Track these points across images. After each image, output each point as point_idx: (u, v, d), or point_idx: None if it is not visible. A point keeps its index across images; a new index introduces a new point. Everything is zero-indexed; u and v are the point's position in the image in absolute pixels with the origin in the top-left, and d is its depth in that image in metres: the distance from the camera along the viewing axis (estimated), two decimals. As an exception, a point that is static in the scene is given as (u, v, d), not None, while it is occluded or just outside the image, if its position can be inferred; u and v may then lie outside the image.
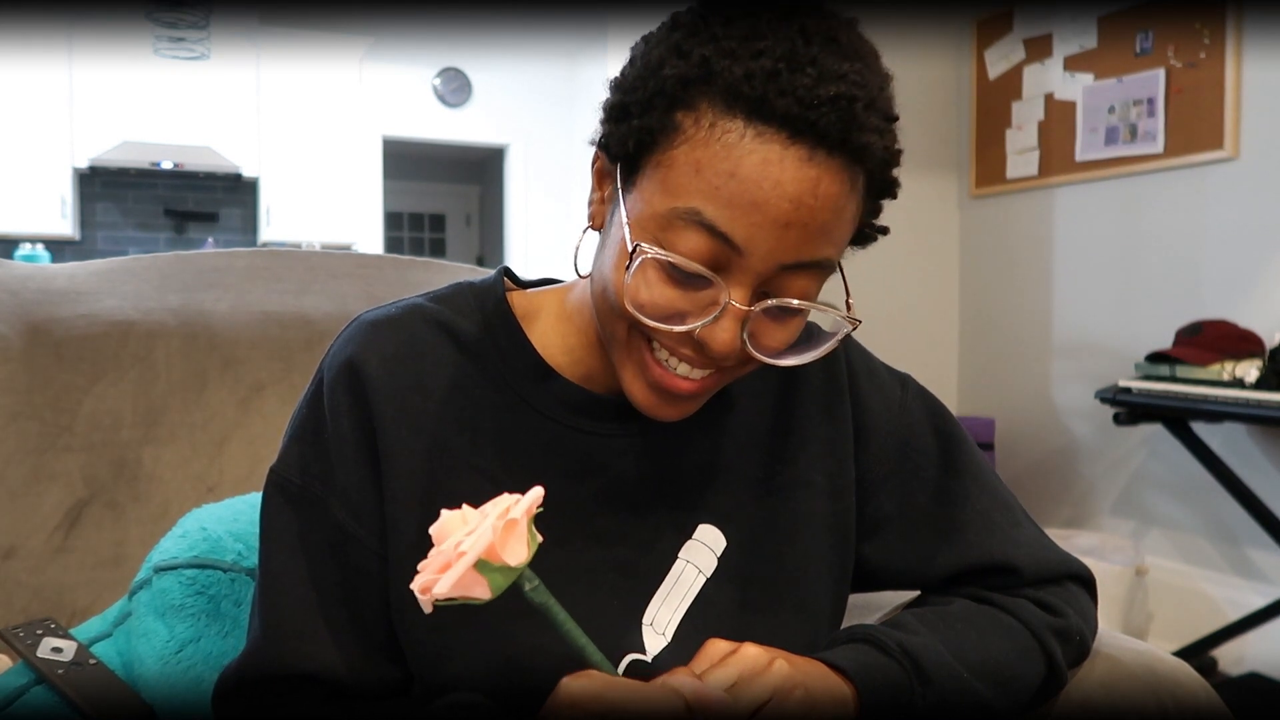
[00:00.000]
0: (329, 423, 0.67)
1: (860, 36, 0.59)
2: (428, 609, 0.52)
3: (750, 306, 0.58)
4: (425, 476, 0.67)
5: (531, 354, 0.70)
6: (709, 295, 0.58)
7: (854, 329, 0.62)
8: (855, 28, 0.60)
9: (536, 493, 0.54)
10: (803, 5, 0.58)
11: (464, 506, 0.54)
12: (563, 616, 0.55)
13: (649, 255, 0.57)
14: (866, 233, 0.63)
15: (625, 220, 0.59)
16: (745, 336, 0.58)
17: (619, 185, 0.61)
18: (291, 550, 0.67)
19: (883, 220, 0.65)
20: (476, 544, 0.51)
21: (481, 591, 0.52)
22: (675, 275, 0.58)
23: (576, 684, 0.54)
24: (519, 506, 0.53)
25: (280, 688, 0.66)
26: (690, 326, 0.58)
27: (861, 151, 0.56)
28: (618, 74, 0.62)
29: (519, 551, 0.52)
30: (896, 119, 0.59)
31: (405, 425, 0.67)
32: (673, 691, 0.54)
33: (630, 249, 0.57)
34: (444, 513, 0.54)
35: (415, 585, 0.52)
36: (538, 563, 0.66)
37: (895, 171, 0.60)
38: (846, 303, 0.63)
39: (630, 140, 0.59)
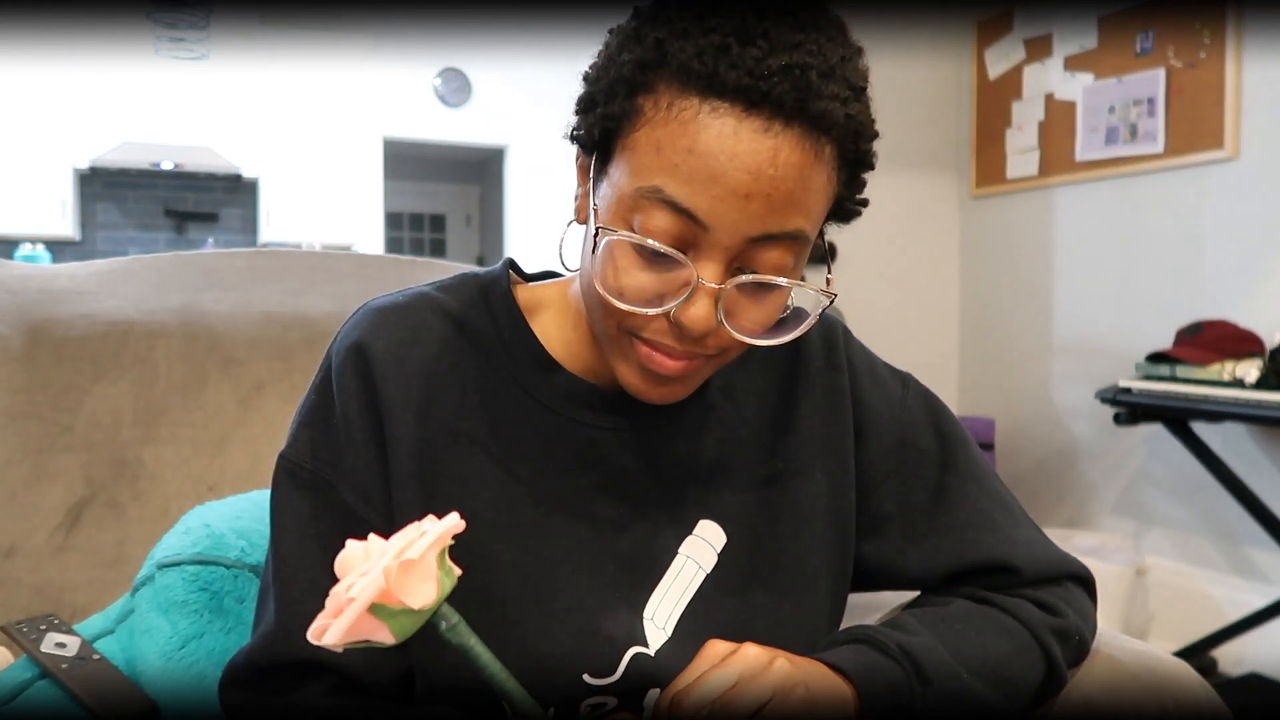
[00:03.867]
0: (338, 406, 0.68)
1: (823, 11, 0.59)
2: (337, 649, 0.48)
3: (721, 284, 0.58)
4: (429, 462, 0.67)
5: (535, 346, 0.70)
6: (681, 275, 0.58)
7: (831, 303, 0.63)
8: (820, 3, 0.59)
9: (450, 522, 0.50)
10: None
11: (370, 537, 0.50)
12: (486, 659, 0.52)
13: (614, 237, 0.58)
14: (848, 207, 0.63)
15: (593, 207, 0.60)
16: (721, 315, 0.58)
17: (591, 175, 0.62)
18: (302, 535, 0.67)
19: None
20: (367, 588, 0.46)
21: (384, 636, 0.47)
22: (646, 256, 0.58)
23: None
24: (422, 541, 0.48)
25: (290, 674, 0.66)
26: (666, 308, 0.58)
27: (820, 119, 0.55)
28: (586, 68, 0.63)
29: (424, 592, 0.47)
30: (864, 89, 0.59)
31: (411, 410, 0.67)
32: None
33: (594, 232, 0.58)
34: (349, 544, 0.50)
35: (310, 632, 0.48)
36: (540, 551, 0.67)
37: (873, 144, 0.60)
38: (827, 279, 0.63)
39: (596, 129, 0.59)
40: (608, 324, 0.62)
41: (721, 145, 0.55)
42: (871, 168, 0.62)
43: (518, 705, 0.53)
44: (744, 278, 0.58)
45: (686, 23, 0.56)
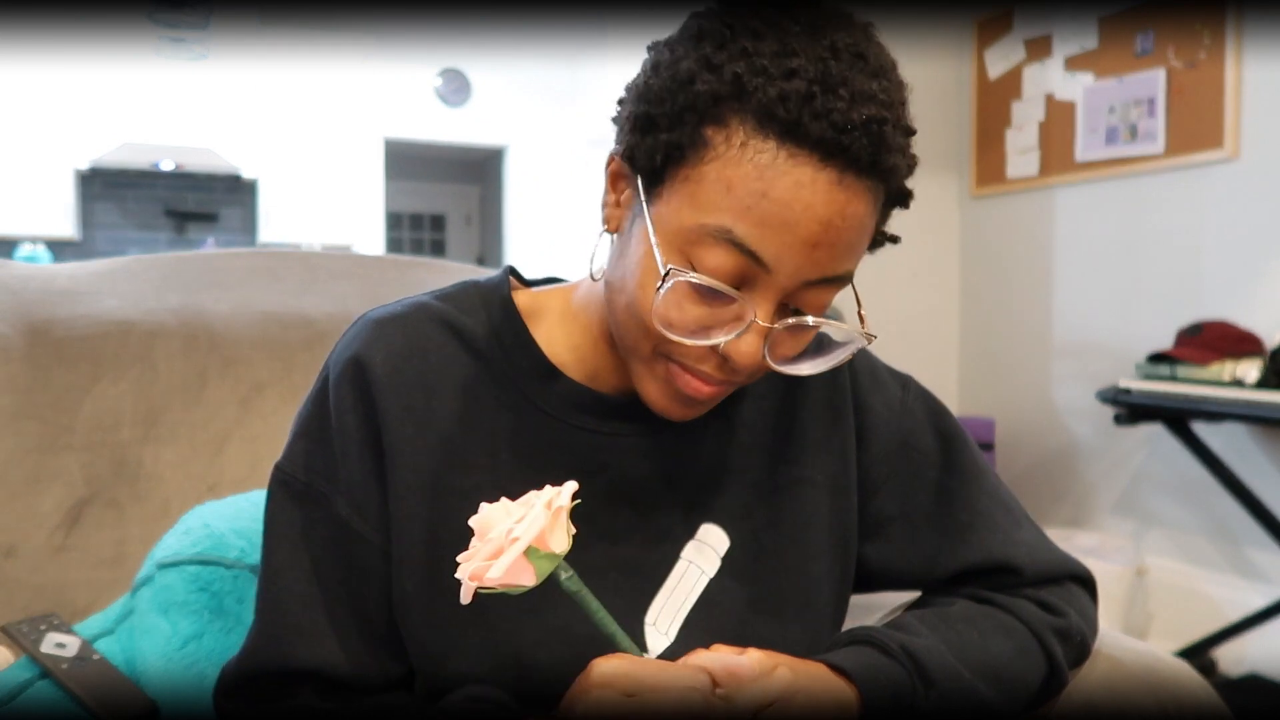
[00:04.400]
0: (334, 419, 0.67)
1: (881, 47, 0.60)
2: (468, 598, 0.52)
3: (774, 324, 0.59)
4: (430, 474, 0.67)
5: (536, 353, 0.70)
6: (734, 310, 0.59)
7: (868, 344, 0.63)
8: (874, 36, 0.60)
9: (572, 485, 0.55)
10: (828, 17, 0.58)
11: (503, 499, 0.55)
12: (595, 605, 0.56)
13: (683, 278, 0.57)
14: (879, 241, 0.64)
15: (653, 236, 0.59)
16: (766, 350, 0.59)
17: (641, 195, 0.61)
18: (294, 546, 0.67)
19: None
20: (529, 530, 0.52)
21: (528, 579, 0.53)
22: (702, 292, 0.58)
23: (608, 664, 0.55)
24: (562, 496, 0.54)
25: (280, 683, 0.67)
26: (715, 341, 0.59)
27: (889, 173, 0.57)
28: (640, 81, 0.61)
29: (562, 540, 0.53)
30: (915, 131, 0.60)
31: (410, 422, 0.67)
32: (698, 668, 0.55)
33: (663, 271, 0.57)
34: (484, 506, 0.55)
35: (462, 573, 0.52)
36: None
37: (909, 182, 0.61)
38: (860, 315, 0.64)
39: (658, 154, 0.59)
40: (644, 346, 0.62)
41: (798, 194, 0.55)
42: (907, 206, 0.63)
43: (621, 648, 0.57)
44: (791, 320, 0.59)
45: (765, 59, 0.56)
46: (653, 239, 0.59)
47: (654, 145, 0.59)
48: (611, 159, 0.64)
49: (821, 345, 0.65)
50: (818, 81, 0.55)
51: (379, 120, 6.03)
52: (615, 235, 0.65)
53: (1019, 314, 3.43)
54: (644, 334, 0.61)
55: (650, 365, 0.63)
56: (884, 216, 0.62)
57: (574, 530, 0.55)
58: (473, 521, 0.54)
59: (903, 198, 0.62)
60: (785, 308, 0.60)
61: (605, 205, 0.65)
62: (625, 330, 0.63)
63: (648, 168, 0.60)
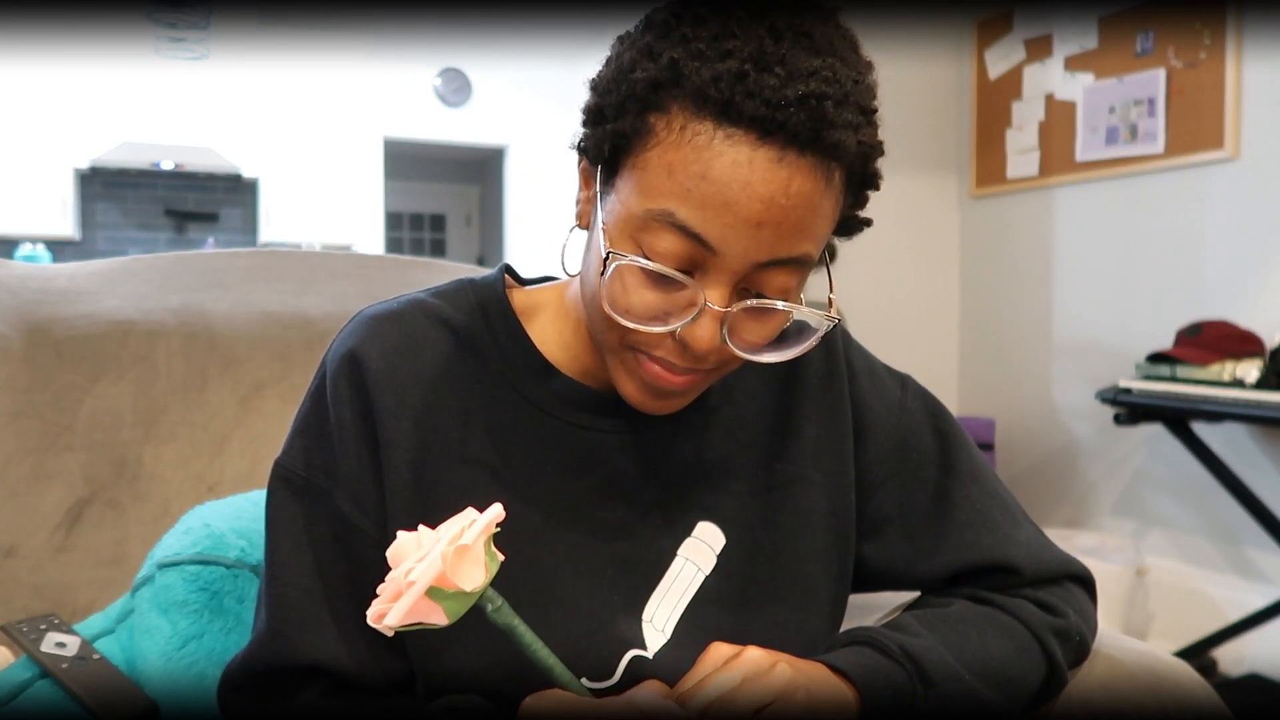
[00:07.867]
0: (331, 414, 0.68)
1: (836, 28, 0.59)
2: (389, 634, 0.51)
3: (728, 307, 0.58)
4: (424, 469, 0.67)
5: (531, 350, 0.70)
6: (687, 296, 0.58)
7: (833, 326, 0.63)
8: (832, 19, 0.59)
9: (494, 512, 0.54)
10: (776, 1, 0.58)
11: (420, 528, 0.53)
12: (529, 638, 0.55)
13: (623, 262, 0.58)
14: (850, 224, 0.63)
15: (600, 225, 0.60)
16: (725, 334, 0.59)
17: (598, 187, 0.61)
18: (296, 542, 0.68)
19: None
20: (426, 572, 0.50)
21: (438, 618, 0.51)
22: (653, 277, 0.58)
23: (540, 703, 0.55)
24: (473, 529, 0.52)
25: (286, 679, 0.67)
26: (671, 327, 0.59)
27: (834, 149, 0.56)
28: (595, 75, 0.62)
29: (474, 576, 0.51)
30: (875, 110, 0.59)
31: (405, 418, 0.67)
32: (636, 711, 0.54)
33: (604, 255, 0.58)
34: (400, 535, 0.54)
35: (370, 614, 0.51)
36: (538, 557, 0.67)
37: (878, 163, 0.60)
38: (829, 299, 0.63)
39: (606, 144, 0.59)
40: (610, 338, 0.62)
41: (735, 174, 0.55)
42: (877, 188, 0.62)
43: (563, 684, 0.56)
44: (750, 301, 0.59)
45: (702, 43, 0.56)
46: (600, 227, 0.59)
47: (603, 136, 0.59)
48: (580, 156, 0.64)
49: (800, 334, 0.64)
50: (751, 60, 0.54)
51: (379, 120, 6.02)
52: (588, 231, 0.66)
53: (1019, 314, 3.43)
54: (607, 324, 0.61)
55: (620, 357, 0.63)
56: (853, 199, 0.61)
57: (500, 558, 0.53)
58: (388, 553, 0.53)
59: (870, 179, 0.61)
60: (747, 292, 0.59)
61: (578, 202, 0.66)
62: (593, 322, 0.64)
63: (600, 159, 0.60)
